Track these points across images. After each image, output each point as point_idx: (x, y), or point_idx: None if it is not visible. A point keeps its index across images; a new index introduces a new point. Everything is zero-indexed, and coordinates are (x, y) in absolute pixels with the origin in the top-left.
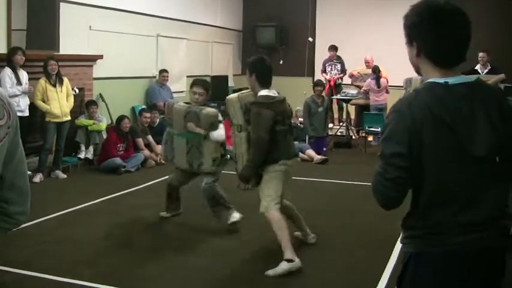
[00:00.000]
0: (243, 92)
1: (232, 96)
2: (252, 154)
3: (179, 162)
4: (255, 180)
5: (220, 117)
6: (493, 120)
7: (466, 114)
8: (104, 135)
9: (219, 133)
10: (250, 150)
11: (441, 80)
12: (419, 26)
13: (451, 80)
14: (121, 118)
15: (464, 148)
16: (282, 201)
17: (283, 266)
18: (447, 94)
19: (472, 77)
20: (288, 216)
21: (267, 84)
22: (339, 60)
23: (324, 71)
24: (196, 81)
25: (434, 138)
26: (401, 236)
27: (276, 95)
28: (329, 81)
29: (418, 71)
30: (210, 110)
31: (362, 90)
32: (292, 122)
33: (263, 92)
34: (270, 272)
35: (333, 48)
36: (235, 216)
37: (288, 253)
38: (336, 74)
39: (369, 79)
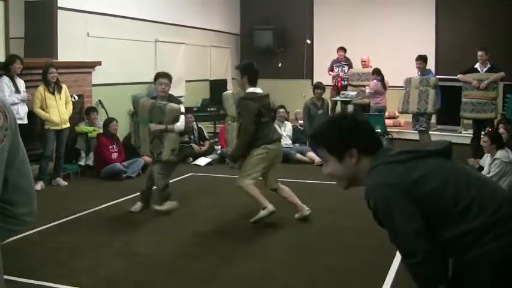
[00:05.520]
0: (236, 90)
1: (228, 92)
2: (239, 139)
3: (144, 150)
4: (241, 161)
5: (183, 110)
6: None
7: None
8: None
9: (181, 124)
10: (240, 136)
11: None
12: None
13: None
14: (109, 121)
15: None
16: (269, 178)
17: (262, 213)
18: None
19: None
20: (283, 197)
21: (254, 84)
22: (347, 62)
23: (331, 69)
24: (161, 74)
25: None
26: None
27: (261, 92)
28: (334, 77)
29: (352, 183)
30: (173, 105)
31: (367, 92)
32: (292, 125)
33: (250, 90)
34: (254, 219)
35: (342, 49)
36: (169, 204)
37: (263, 203)
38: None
39: (374, 81)
